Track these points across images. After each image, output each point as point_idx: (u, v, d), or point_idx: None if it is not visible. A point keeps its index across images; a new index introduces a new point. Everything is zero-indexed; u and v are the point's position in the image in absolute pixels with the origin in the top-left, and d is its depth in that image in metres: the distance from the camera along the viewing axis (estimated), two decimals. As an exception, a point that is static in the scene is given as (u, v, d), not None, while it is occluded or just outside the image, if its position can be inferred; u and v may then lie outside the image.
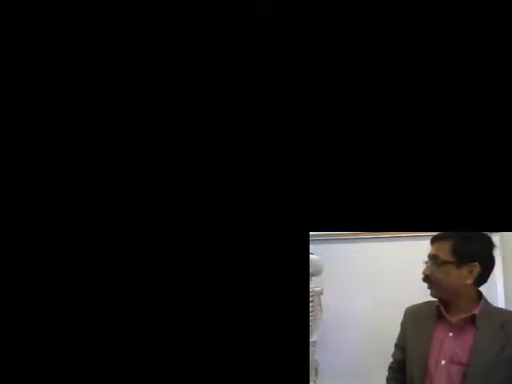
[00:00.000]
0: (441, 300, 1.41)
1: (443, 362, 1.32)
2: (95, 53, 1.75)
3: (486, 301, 1.39)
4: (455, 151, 1.73)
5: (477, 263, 1.34)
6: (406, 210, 1.72)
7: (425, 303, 1.47)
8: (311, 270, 2.00)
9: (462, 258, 1.35)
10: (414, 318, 1.46)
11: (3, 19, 1.74)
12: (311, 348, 1.99)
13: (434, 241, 1.42)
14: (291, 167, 1.73)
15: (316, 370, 2.09)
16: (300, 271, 1.71)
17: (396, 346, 1.53)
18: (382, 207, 1.72)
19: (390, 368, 1.57)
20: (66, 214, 1.72)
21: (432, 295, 1.39)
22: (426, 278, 1.37)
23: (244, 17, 1.74)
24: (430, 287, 1.38)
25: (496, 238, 2.27)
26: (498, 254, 2.27)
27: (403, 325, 1.49)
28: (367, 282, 2.26)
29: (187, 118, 1.75)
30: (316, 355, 2.07)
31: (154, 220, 1.72)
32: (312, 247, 1.83)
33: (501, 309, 1.50)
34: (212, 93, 1.75)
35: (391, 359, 1.56)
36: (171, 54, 1.75)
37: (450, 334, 1.36)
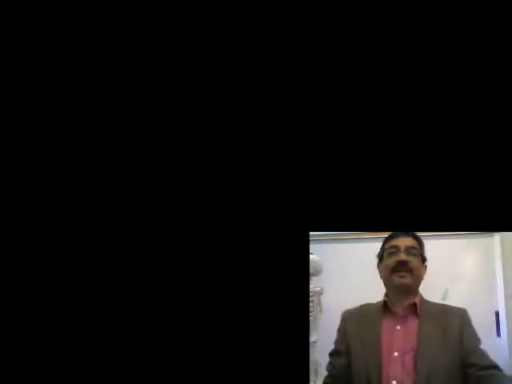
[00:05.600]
0: (402, 291, 1.56)
1: (396, 354, 1.47)
2: (95, 50, 1.75)
3: (420, 294, 1.55)
4: (455, 151, 1.73)
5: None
6: (405, 210, 1.72)
7: (361, 306, 1.63)
8: (311, 270, 2.00)
9: (424, 255, 1.55)
10: (355, 320, 1.59)
11: (3, 16, 1.74)
12: (311, 348, 1.99)
13: (405, 235, 1.60)
14: (291, 167, 1.73)
15: (316, 371, 2.08)
16: (300, 271, 1.71)
17: (335, 353, 1.61)
18: (382, 207, 1.72)
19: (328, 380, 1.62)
20: (66, 214, 1.72)
21: (406, 282, 1.54)
22: (404, 264, 1.52)
23: (244, 10, 1.74)
24: (404, 275, 1.53)
25: (496, 237, 2.27)
26: (497, 254, 2.27)
27: (343, 330, 1.61)
28: (367, 282, 2.26)
29: (186, 117, 1.75)
30: (316, 355, 2.07)
31: (154, 220, 1.72)
32: (312, 247, 1.83)
33: (431, 301, 1.62)
34: (211, 92, 1.75)
35: (326, 373, 1.62)
36: (169, 50, 1.75)
37: (398, 327, 1.51)
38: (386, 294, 1.61)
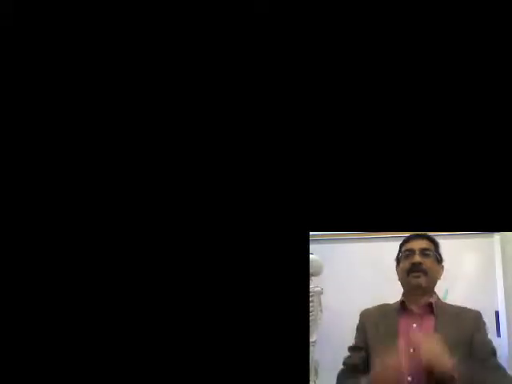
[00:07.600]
0: (418, 291, 1.64)
1: (411, 350, 1.55)
2: (95, 52, 1.75)
3: (436, 294, 1.65)
4: (455, 151, 1.73)
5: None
6: (406, 210, 1.72)
7: (379, 306, 1.71)
8: (311, 270, 2.00)
9: (440, 255, 1.64)
10: (373, 318, 1.67)
11: (3, 18, 1.74)
12: (311, 348, 1.99)
13: (419, 237, 1.67)
14: (291, 168, 1.73)
15: (316, 370, 2.09)
16: (300, 271, 1.71)
17: (354, 349, 1.68)
18: (382, 207, 1.72)
19: (345, 370, 1.66)
20: (66, 214, 1.72)
21: (420, 283, 1.62)
22: (418, 266, 1.61)
23: (243, 10, 1.74)
24: (418, 275, 1.62)
25: (496, 237, 2.27)
26: (497, 254, 2.27)
27: (361, 327, 1.69)
28: (367, 281, 2.26)
29: (186, 117, 1.75)
30: (316, 355, 2.07)
31: (154, 221, 1.72)
32: (312, 247, 1.83)
33: (447, 303, 1.71)
34: (211, 92, 1.75)
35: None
36: (169, 50, 1.75)
37: (414, 325, 1.59)
38: (404, 294, 1.69)
